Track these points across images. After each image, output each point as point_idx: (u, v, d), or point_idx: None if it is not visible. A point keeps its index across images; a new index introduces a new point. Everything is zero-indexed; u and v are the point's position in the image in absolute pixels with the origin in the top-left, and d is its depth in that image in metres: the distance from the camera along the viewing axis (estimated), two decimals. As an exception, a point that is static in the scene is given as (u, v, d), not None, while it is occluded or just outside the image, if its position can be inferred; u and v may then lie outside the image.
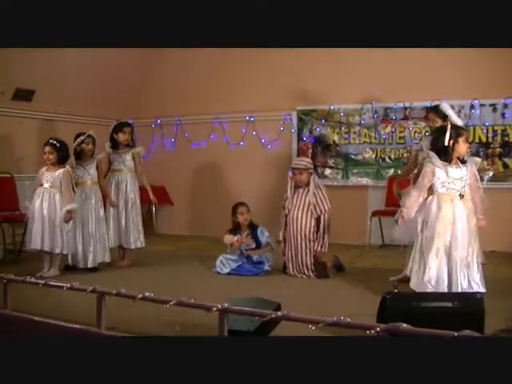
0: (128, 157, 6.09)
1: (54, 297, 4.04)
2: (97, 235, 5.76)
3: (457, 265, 3.96)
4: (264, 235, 5.78)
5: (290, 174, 5.66)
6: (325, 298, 4.65)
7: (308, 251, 5.51)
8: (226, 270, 5.68)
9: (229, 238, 5.75)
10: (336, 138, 7.79)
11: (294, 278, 5.50)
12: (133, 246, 6.09)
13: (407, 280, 4.20)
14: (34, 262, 5.64)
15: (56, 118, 7.77)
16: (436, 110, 4.81)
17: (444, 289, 3.92)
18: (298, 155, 7.75)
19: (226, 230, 5.81)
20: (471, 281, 3.96)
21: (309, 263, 5.52)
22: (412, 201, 4.09)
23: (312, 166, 5.73)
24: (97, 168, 5.86)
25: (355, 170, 7.70)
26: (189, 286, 4.98)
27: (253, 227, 5.80)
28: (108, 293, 3.07)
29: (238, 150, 8.36)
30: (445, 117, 4.65)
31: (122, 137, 6.10)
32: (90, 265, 5.68)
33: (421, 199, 4.08)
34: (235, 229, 5.83)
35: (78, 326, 3.12)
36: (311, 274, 5.51)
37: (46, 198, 5.40)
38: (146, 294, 2.92)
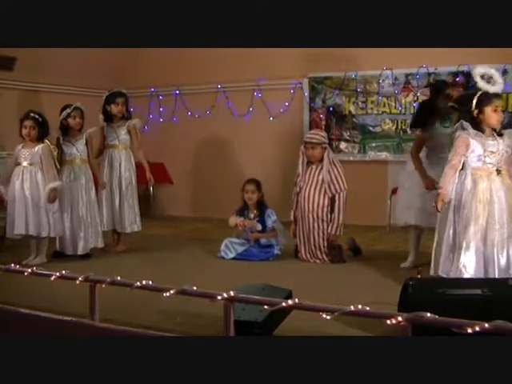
0: (123, 131, 6.09)
1: (42, 287, 4.02)
2: (88, 218, 5.75)
3: (493, 248, 3.88)
4: (270, 219, 5.79)
5: (302, 148, 5.69)
6: (340, 284, 4.67)
7: (321, 233, 5.55)
8: (232, 255, 5.72)
9: (232, 220, 5.80)
10: (352, 108, 7.79)
11: (306, 263, 5.54)
12: (128, 230, 6.11)
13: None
14: (20, 249, 5.66)
15: (40, 88, 7.77)
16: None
17: (480, 275, 3.86)
18: (311, 128, 7.77)
19: (234, 211, 5.86)
20: (510, 266, 3.87)
21: (322, 246, 5.56)
22: (447, 180, 3.98)
23: (326, 140, 5.72)
24: (86, 144, 5.83)
25: (373, 144, 7.71)
26: (190, 273, 5.01)
27: (261, 209, 5.81)
28: (102, 281, 3.07)
29: (244, 122, 8.40)
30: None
31: (115, 108, 6.09)
32: (80, 251, 5.69)
33: (456, 176, 3.99)
34: (243, 209, 5.86)
35: (69, 319, 3.12)
36: (325, 258, 5.55)
37: (27, 178, 5.38)
38: (144, 282, 2.93)
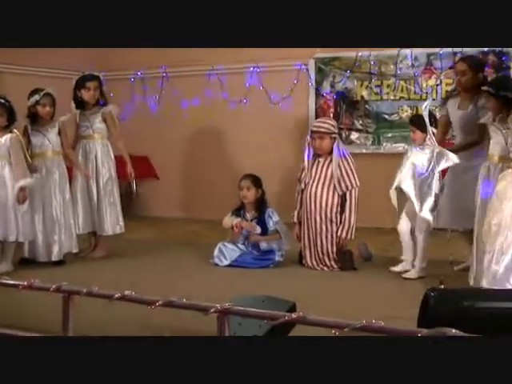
0: (97, 119, 6.10)
1: (7, 298, 4.01)
2: (62, 220, 5.75)
3: None
4: (272, 220, 5.79)
5: (308, 139, 5.71)
6: (351, 295, 4.69)
7: (329, 236, 5.57)
8: (226, 262, 5.73)
9: (227, 221, 5.82)
10: (365, 93, 7.79)
11: (312, 271, 5.57)
12: (110, 232, 6.12)
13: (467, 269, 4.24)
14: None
15: (2, 69, 7.74)
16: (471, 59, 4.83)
17: None
18: (317, 116, 7.77)
19: (230, 211, 5.87)
20: None
21: (331, 251, 5.57)
22: None
23: (335, 130, 5.75)
24: (59, 133, 5.83)
25: (389, 134, 7.72)
26: (179, 282, 5.03)
27: (261, 209, 5.82)
28: (77, 292, 3.05)
29: (241, 109, 8.40)
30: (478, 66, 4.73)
31: (86, 94, 6.08)
32: (55, 257, 5.69)
33: None
34: (239, 209, 5.88)
35: (38, 335, 3.11)
36: (334, 264, 5.57)
37: None
38: (126, 292, 2.90)
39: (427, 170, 5.07)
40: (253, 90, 8.31)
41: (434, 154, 5.03)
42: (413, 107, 7.58)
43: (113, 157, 6.17)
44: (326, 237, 5.57)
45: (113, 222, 6.10)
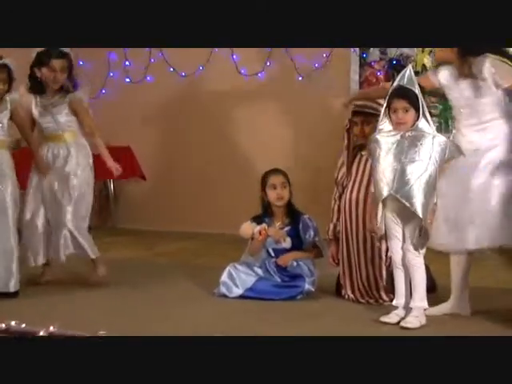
0: (64, 110, 6.03)
1: None
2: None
3: None
4: (309, 230, 5.76)
5: (348, 124, 5.69)
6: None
7: (378, 258, 5.49)
8: (238, 291, 5.67)
9: (247, 228, 5.77)
10: (427, 61, 7.74)
11: (355, 306, 5.46)
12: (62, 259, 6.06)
13: None
14: None
15: None
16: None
17: None
18: (362, 91, 7.81)
19: (250, 218, 5.87)
20: None
21: (380, 278, 5.50)
22: None
23: (387, 110, 5.77)
24: (11, 118, 5.84)
25: (461, 116, 7.59)
26: (171, 318, 5.03)
27: (292, 215, 5.80)
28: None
29: (257, 84, 8.40)
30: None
31: (48, 74, 5.97)
32: (12, 288, 5.71)
33: None
34: (264, 215, 5.85)
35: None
36: (385, 297, 5.48)
37: None
38: (52, 329, 3.17)
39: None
40: (274, 57, 8.36)
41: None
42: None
43: (90, 162, 6.14)
44: (375, 258, 5.46)
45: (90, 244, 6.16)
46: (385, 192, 4.85)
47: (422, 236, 4.90)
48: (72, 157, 6.04)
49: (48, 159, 6.10)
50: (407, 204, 4.79)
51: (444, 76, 5.10)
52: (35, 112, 6.06)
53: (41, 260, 6.09)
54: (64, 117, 6.05)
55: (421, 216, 4.79)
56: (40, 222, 6.11)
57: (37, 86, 6.05)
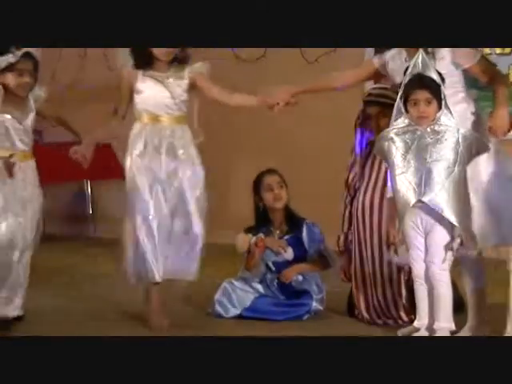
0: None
1: None
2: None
3: None
4: (314, 237, 5.65)
5: (361, 115, 5.60)
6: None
7: (395, 271, 5.28)
8: (235, 311, 5.50)
9: (242, 239, 5.63)
10: None
11: (369, 328, 5.24)
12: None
13: None
14: None
15: None
16: None
17: None
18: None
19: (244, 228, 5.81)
20: None
21: (398, 295, 5.31)
22: None
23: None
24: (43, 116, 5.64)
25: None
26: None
27: (292, 221, 5.64)
28: None
29: (263, 68, 8.33)
30: None
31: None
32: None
33: None
34: (260, 223, 5.70)
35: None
36: (405, 317, 5.25)
37: None
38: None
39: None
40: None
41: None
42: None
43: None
44: (391, 273, 5.28)
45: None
46: (412, 198, 4.52)
47: (466, 246, 4.60)
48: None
49: None
50: (439, 211, 4.49)
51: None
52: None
53: None
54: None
55: (456, 224, 4.47)
56: None
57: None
